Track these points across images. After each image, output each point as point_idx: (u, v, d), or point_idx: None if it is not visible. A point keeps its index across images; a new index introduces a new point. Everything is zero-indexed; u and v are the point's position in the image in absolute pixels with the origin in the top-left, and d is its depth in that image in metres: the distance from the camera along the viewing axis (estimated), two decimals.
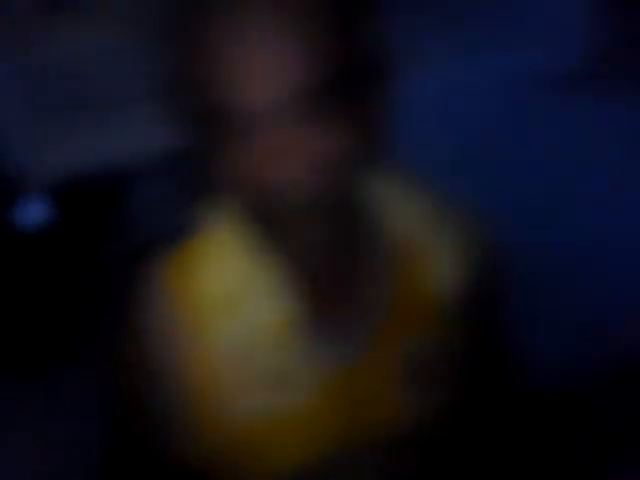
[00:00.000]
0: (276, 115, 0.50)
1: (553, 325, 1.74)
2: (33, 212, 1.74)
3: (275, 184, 0.51)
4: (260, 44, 0.48)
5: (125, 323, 0.68)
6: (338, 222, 0.56)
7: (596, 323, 1.82)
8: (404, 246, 0.67)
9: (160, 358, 0.64)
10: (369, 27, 0.55)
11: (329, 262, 0.62)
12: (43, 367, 1.73)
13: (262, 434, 0.65)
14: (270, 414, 0.64)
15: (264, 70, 0.48)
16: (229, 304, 0.64)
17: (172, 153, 1.61)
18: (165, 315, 0.65)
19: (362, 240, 0.65)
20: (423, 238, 0.68)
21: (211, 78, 0.50)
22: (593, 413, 1.56)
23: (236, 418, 0.64)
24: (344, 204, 0.56)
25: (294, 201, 0.52)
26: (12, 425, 1.61)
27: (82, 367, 1.69)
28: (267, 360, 0.64)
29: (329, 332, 0.65)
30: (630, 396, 1.59)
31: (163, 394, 0.65)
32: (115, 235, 2.01)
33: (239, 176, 0.52)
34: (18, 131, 1.27)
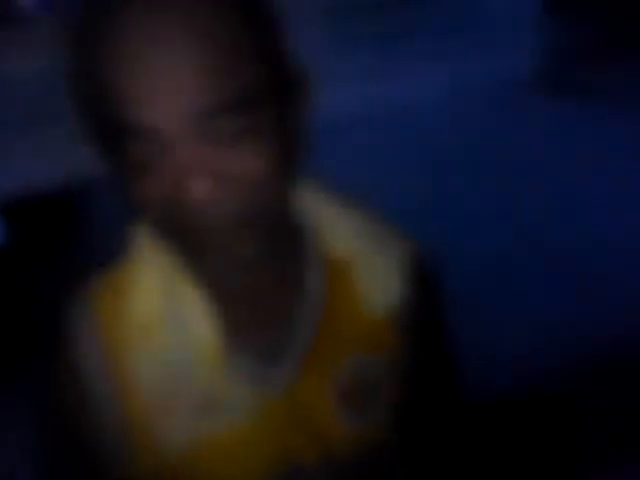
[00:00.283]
0: (181, 137, 0.48)
1: (544, 325, 1.74)
2: None
3: (189, 205, 0.50)
4: (163, 62, 0.47)
5: (59, 346, 0.67)
6: (264, 240, 0.55)
7: (593, 322, 1.83)
8: (338, 264, 0.66)
9: (91, 380, 0.63)
10: (281, 44, 0.55)
11: (256, 281, 0.61)
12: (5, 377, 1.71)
13: (194, 458, 0.63)
14: (200, 438, 0.63)
15: (167, 88, 0.47)
16: (153, 327, 0.63)
17: None
18: (93, 338, 0.64)
19: (293, 258, 0.64)
20: (358, 256, 0.67)
21: (112, 96, 0.48)
22: (585, 411, 1.57)
23: (168, 442, 0.63)
24: (270, 222, 0.55)
25: (212, 221, 0.51)
26: None
27: (36, 381, 1.67)
28: (193, 383, 0.62)
29: (258, 353, 0.63)
30: (620, 394, 1.59)
31: (98, 415, 0.64)
32: (70, 251, 1.99)
33: (152, 197, 0.51)
34: None
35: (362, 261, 0.67)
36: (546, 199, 2.39)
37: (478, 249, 1.92)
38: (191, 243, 0.53)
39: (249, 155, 0.50)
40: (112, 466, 0.65)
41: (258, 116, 0.50)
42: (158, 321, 0.63)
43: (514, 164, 2.29)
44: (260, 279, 0.61)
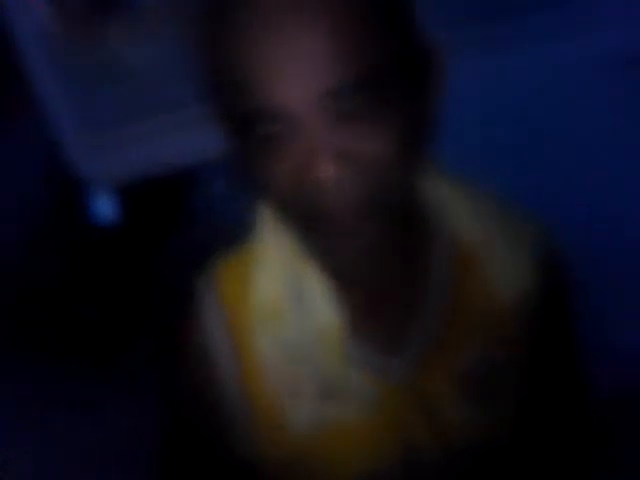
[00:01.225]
0: (313, 115, 0.48)
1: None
2: (103, 210, 1.80)
3: (315, 185, 0.49)
4: (293, 43, 0.46)
5: (183, 326, 0.68)
6: (388, 224, 0.53)
7: None
8: (465, 251, 0.64)
9: (216, 363, 0.64)
10: (411, 21, 0.53)
11: (379, 267, 0.58)
12: (114, 357, 1.79)
13: (314, 442, 0.64)
14: (320, 425, 0.63)
15: (297, 67, 0.46)
16: (277, 310, 0.63)
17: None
18: (218, 319, 0.64)
19: (418, 244, 0.63)
20: (485, 241, 0.64)
21: (241, 77, 0.48)
22: None
23: (289, 425, 0.63)
24: (396, 206, 0.53)
25: (337, 202, 0.50)
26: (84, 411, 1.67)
27: (150, 358, 1.73)
28: (315, 368, 0.62)
29: (380, 341, 0.62)
30: None
31: (223, 396, 0.65)
32: (181, 231, 2.05)
33: (279, 180, 0.51)
34: (80, 133, 1.31)
35: (489, 248, 0.65)
36: None
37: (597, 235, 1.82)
38: (315, 225, 0.52)
39: (377, 136, 0.49)
40: (233, 447, 0.66)
41: (387, 96, 0.49)
42: (282, 305, 0.63)
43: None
44: (383, 265, 0.59)
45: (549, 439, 0.73)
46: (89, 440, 1.61)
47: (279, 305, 0.63)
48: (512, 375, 0.66)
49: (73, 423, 1.65)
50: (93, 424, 1.64)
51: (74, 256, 1.86)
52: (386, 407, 0.63)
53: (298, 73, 0.47)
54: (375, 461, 0.64)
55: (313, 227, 0.53)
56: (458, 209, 0.65)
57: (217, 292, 0.65)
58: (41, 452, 1.60)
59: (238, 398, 0.64)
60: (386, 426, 0.63)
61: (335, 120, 0.48)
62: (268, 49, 0.47)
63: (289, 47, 0.46)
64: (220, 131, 0.57)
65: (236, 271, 0.66)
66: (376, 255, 0.55)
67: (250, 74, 0.48)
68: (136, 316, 1.87)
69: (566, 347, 0.72)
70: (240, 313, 0.64)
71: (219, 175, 2.18)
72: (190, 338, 0.66)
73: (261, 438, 0.65)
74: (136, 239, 1.91)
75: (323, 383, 0.62)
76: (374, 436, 0.63)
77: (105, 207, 1.80)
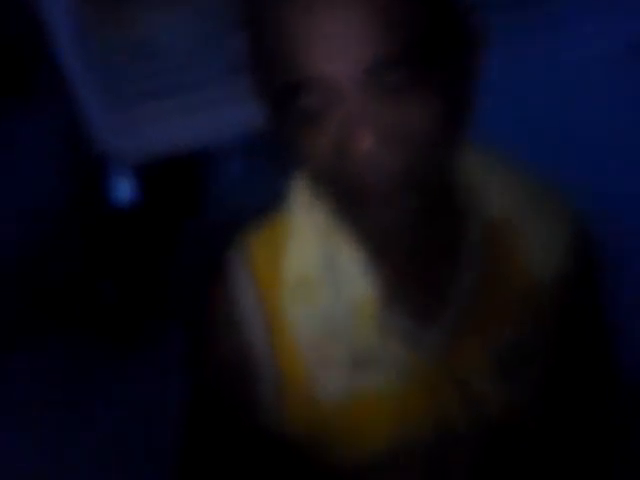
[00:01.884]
0: (355, 87, 0.48)
1: None
2: (122, 190, 1.80)
3: (355, 157, 0.49)
4: (341, 14, 0.46)
5: (210, 299, 0.69)
6: (424, 198, 0.54)
7: None
8: (499, 227, 0.64)
9: (247, 332, 0.65)
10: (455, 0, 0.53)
11: (414, 240, 0.59)
12: (135, 337, 1.80)
13: (346, 412, 0.64)
14: (350, 395, 0.63)
15: (345, 42, 0.47)
16: (311, 284, 0.63)
17: (252, 131, 1.63)
18: (250, 290, 0.65)
19: (453, 217, 0.63)
20: (519, 218, 0.65)
21: (289, 51, 0.48)
22: None
23: (322, 395, 0.64)
24: (432, 180, 0.54)
25: (376, 174, 0.50)
26: (105, 394, 1.69)
27: (172, 338, 1.75)
28: (348, 339, 0.63)
29: (413, 314, 0.63)
30: None
31: (251, 367, 0.65)
32: (198, 212, 2.05)
33: (319, 152, 0.51)
34: (104, 111, 1.31)
35: (522, 224, 0.65)
36: None
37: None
38: (352, 197, 0.53)
39: (418, 109, 0.49)
40: (260, 418, 0.67)
41: (429, 70, 0.49)
42: (315, 276, 0.63)
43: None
44: (418, 237, 0.60)
45: (574, 417, 0.73)
46: (110, 421, 1.62)
47: (312, 276, 0.63)
48: (541, 351, 0.66)
49: (93, 403, 1.66)
50: (113, 404, 1.65)
51: (93, 236, 1.87)
52: (417, 378, 0.63)
53: (344, 44, 0.47)
54: (404, 432, 0.65)
55: (351, 199, 0.53)
56: (492, 185, 0.65)
57: (248, 263, 0.66)
58: (59, 434, 1.61)
59: (267, 368, 0.65)
60: (417, 397, 0.64)
61: (377, 93, 0.48)
62: (316, 18, 0.47)
63: (337, 17, 0.46)
64: (259, 105, 0.57)
65: (267, 242, 0.67)
66: (411, 228, 0.55)
67: (296, 44, 0.48)
68: (155, 297, 1.88)
69: (594, 326, 0.72)
70: (271, 283, 0.65)
71: (236, 156, 2.18)
72: (220, 308, 0.67)
73: (289, 409, 0.66)
74: (155, 219, 1.91)
75: (355, 353, 0.63)
76: (404, 407, 0.64)
77: (124, 187, 1.81)
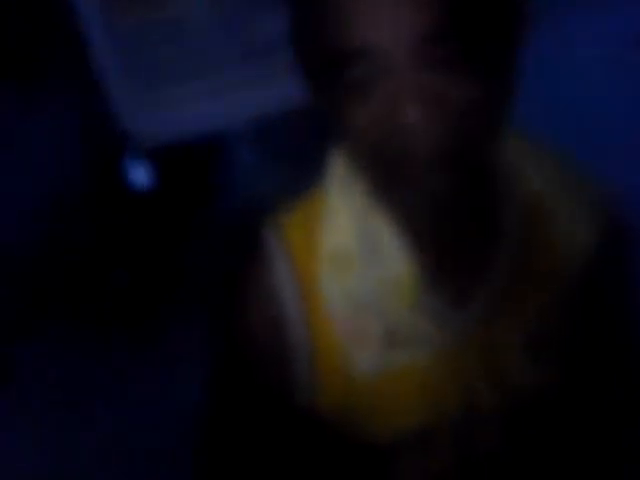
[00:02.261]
0: (403, 60, 0.48)
1: None
2: (138, 175, 1.81)
3: (402, 129, 0.50)
4: None
5: (244, 278, 0.69)
6: (465, 176, 0.54)
7: None
8: (533, 210, 0.65)
9: (281, 310, 0.65)
10: None
11: (452, 220, 0.60)
12: (150, 323, 1.80)
13: (374, 392, 0.65)
14: (383, 372, 0.64)
15: (396, 12, 0.47)
16: (348, 260, 0.64)
17: (266, 118, 1.63)
18: (286, 266, 0.65)
19: (490, 197, 0.63)
20: (553, 202, 0.65)
21: (337, 22, 0.49)
22: None
23: (350, 374, 0.65)
24: (476, 155, 0.54)
25: (422, 148, 0.50)
26: (124, 378, 1.69)
27: (188, 323, 1.75)
28: (383, 316, 0.63)
29: (448, 293, 0.63)
30: None
31: (285, 344, 0.65)
32: (212, 198, 2.05)
33: (365, 123, 0.51)
34: (124, 95, 1.32)
35: (555, 205, 0.66)
36: None
37: None
38: (395, 170, 0.53)
39: (466, 84, 0.50)
40: (292, 396, 0.67)
41: (479, 45, 0.49)
42: (352, 254, 0.64)
43: None
44: (454, 218, 0.60)
45: (599, 396, 0.74)
46: (110, 420, 1.62)
47: (349, 252, 0.64)
48: (569, 332, 0.67)
49: (110, 391, 1.66)
50: (130, 392, 1.65)
51: (108, 221, 1.87)
52: (450, 356, 0.64)
53: (396, 14, 0.47)
54: (434, 409, 0.66)
55: (393, 172, 0.53)
56: (528, 168, 0.66)
57: (283, 241, 0.66)
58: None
59: (302, 345, 0.65)
60: (447, 375, 0.65)
61: (427, 65, 0.49)
62: None
63: None
64: (302, 78, 0.58)
65: (302, 220, 0.67)
66: (448, 206, 0.56)
67: (348, 12, 0.48)
68: (169, 283, 1.88)
69: (622, 309, 0.72)
70: (306, 261, 0.65)
71: (248, 143, 2.18)
72: (255, 286, 0.67)
73: (322, 386, 0.66)
74: (170, 205, 1.91)
75: (390, 331, 0.63)
76: (436, 385, 0.65)
77: (140, 173, 1.81)
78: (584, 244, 0.66)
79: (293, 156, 2.23)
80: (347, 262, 0.64)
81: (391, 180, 0.54)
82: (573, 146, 0.70)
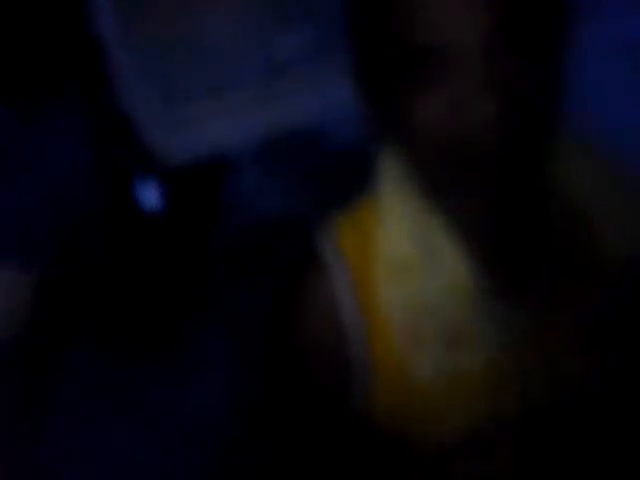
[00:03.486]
0: (480, 50, 0.49)
1: None
2: (149, 196, 1.81)
3: (471, 124, 0.51)
4: None
5: (301, 287, 0.69)
6: (525, 174, 0.55)
7: None
8: (581, 210, 0.66)
9: (339, 316, 0.65)
10: None
11: (508, 222, 0.61)
12: (160, 341, 1.80)
13: (436, 395, 0.65)
14: (442, 377, 0.64)
15: (467, 4, 0.49)
16: (407, 265, 0.64)
17: (277, 137, 1.64)
18: (341, 276, 0.65)
19: (539, 201, 0.64)
20: (600, 203, 0.66)
21: (411, 13, 0.50)
22: None
23: (409, 379, 0.65)
24: (538, 149, 0.55)
25: (488, 144, 0.51)
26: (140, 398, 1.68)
27: (200, 339, 1.75)
28: (444, 321, 0.63)
29: (507, 294, 0.64)
30: None
31: (343, 351, 0.65)
32: (221, 218, 2.06)
33: (432, 121, 0.52)
34: (147, 113, 1.33)
35: (601, 206, 0.66)
36: None
37: None
38: (458, 170, 0.54)
39: (537, 77, 0.51)
40: (349, 403, 0.67)
41: (549, 38, 0.52)
42: (412, 259, 0.64)
43: None
44: (508, 219, 0.61)
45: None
46: (146, 421, 1.61)
47: (408, 259, 0.64)
48: (618, 328, 0.68)
49: (130, 405, 1.66)
50: (148, 406, 1.65)
51: (119, 241, 1.87)
52: (508, 358, 0.64)
53: (468, 5, 0.49)
54: (492, 413, 0.66)
55: (457, 171, 0.54)
56: (574, 168, 0.67)
57: (339, 248, 0.67)
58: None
59: (360, 351, 0.65)
60: (506, 377, 0.65)
61: (500, 59, 0.50)
62: None
63: None
64: (359, 82, 0.59)
65: (356, 226, 0.67)
66: (508, 205, 0.57)
67: (419, 6, 0.50)
68: (180, 303, 1.88)
69: None
70: (363, 268, 0.65)
71: (254, 164, 2.20)
72: (313, 293, 0.67)
73: (379, 391, 0.66)
74: (180, 226, 1.92)
75: (449, 334, 0.63)
76: (494, 387, 0.65)
77: (151, 194, 1.81)
78: (629, 248, 0.67)
79: (301, 176, 2.25)
80: (406, 267, 0.64)
81: (452, 180, 0.55)
82: None
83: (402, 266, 0.64)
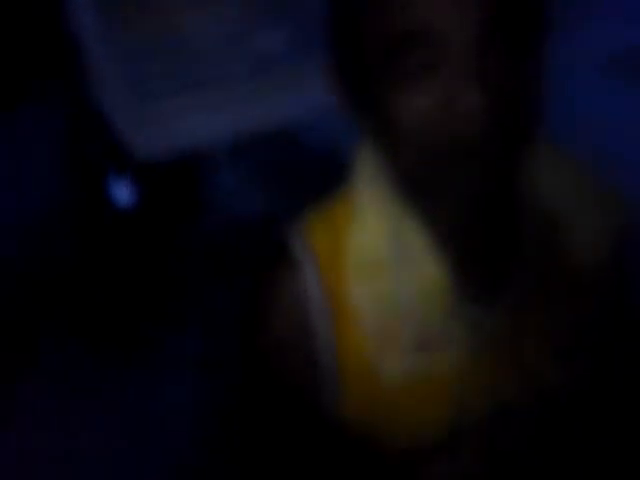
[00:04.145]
0: (464, 45, 0.49)
1: None
2: (122, 193, 1.79)
3: (462, 112, 0.50)
4: None
5: (269, 285, 0.68)
6: (503, 172, 0.55)
7: None
8: (553, 213, 0.66)
9: (308, 314, 0.64)
10: None
11: (483, 223, 0.61)
12: (134, 340, 1.78)
13: (407, 395, 0.64)
14: (413, 377, 0.64)
15: (450, 1, 0.49)
16: (378, 265, 0.63)
17: (249, 137, 1.64)
18: (309, 274, 0.64)
19: (514, 204, 0.64)
20: (571, 207, 0.67)
21: (398, 9, 0.50)
22: None
23: (379, 379, 0.64)
24: (514, 152, 0.55)
25: (471, 139, 0.51)
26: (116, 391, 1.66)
27: (174, 338, 1.74)
28: (415, 323, 0.63)
29: (479, 296, 0.63)
30: None
31: (311, 350, 0.64)
32: (195, 215, 2.05)
33: (419, 108, 0.52)
34: (122, 110, 1.31)
35: (572, 213, 0.67)
36: None
37: None
38: (438, 166, 0.53)
39: (522, 73, 0.52)
40: (317, 403, 0.67)
41: (533, 35, 0.52)
42: (382, 258, 0.63)
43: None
44: (486, 221, 0.61)
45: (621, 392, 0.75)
46: (103, 427, 1.60)
47: (379, 258, 0.63)
48: (592, 329, 0.68)
49: (103, 403, 1.64)
50: (122, 404, 1.63)
51: (91, 238, 1.85)
52: (479, 360, 0.64)
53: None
54: (463, 413, 0.65)
55: (437, 167, 0.54)
56: (547, 174, 0.67)
57: (308, 246, 0.65)
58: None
59: (328, 350, 0.64)
60: (478, 378, 0.65)
61: (486, 50, 0.50)
62: None
63: None
64: (340, 76, 0.59)
65: (327, 224, 0.67)
66: (484, 206, 0.57)
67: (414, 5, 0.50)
68: (151, 303, 1.86)
69: (627, 310, 0.74)
70: (333, 266, 0.64)
71: (230, 163, 2.19)
72: (279, 291, 0.66)
73: (348, 391, 0.65)
74: (152, 223, 1.90)
75: (420, 335, 0.63)
76: (465, 388, 0.64)
77: (124, 191, 1.79)
78: (601, 245, 0.67)
79: (279, 174, 2.24)
80: (377, 266, 0.63)
81: (434, 178, 0.55)
82: None
83: (373, 265, 0.63)
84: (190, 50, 1.26)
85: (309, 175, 1.95)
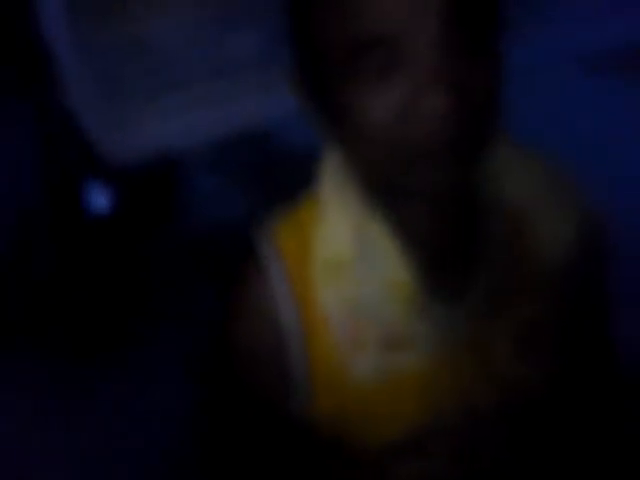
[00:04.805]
0: (424, 46, 0.49)
1: None
2: (97, 197, 1.78)
3: (426, 115, 0.50)
4: None
5: (238, 287, 0.68)
6: (466, 174, 0.56)
7: None
8: (517, 213, 0.66)
9: (276, 316, 0.64)
10: None
11: (445, 222, 0.62)
12: (110, 350, 1.77)
13: (372, 397, 0.65)
14: (381, 377, 0.64)
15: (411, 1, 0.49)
16: (344, 266, 0.64)
17: (228, 139, 1.64)
18: (279, 273, 0.65)
19: (479, 202, 0.65)
20: (534, 205, 0.67)
21: (357, 12, 0.50)
22: None
23: (348, 380, 0.64)
24: (477, 153, 0.56)
25: (434, 141, 0.51)
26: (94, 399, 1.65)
27: (150, 348, 1.73)
28: (381, 321, 0.63)
29: (445, 295, 0.64)
30: None
31: (280, 351, 0.65)
32: (171, 220, 2.04)
33: (381, 113, 0.52)
34: (93, 113, 1.30)
35: (537, 211, 0.67)
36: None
37: None
38: (402, 169, 0.54)
39: (481, 73, 0.52)
40: (287, 406, 0.67)
41: (491, 33, 0.52)
42: (347, 259, 0.64)
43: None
44: (451, 220, 0.62)
45: (583, 392, 0.76)
46: (92, 427, 1.59)
47: (345, 258, 0.64)
48: (555, 331, 0.69)
49: (81, 411, 1.63)
50: (101, 411, 1.62)
51: (66, 244, 1.83)
52: (446, 359, 0.65)
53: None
54: (432, 414, 0.66)
55: (401, 170, 0.54)
56: (511, 173, 0.67)
57: (276, 248, 0.66)
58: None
59: (297, 351, 0.64)
60: (445, 378, 0.65)
61: (447, 51, 0.50)
62: None
63: None
64: (301, 80, 0.59)
65: (295, 226, 0.67)
66: (449, 206, 0.58)
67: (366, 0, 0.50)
68: (130, 307, 1.85)
69: (597, 309, 0.75)
70: (301, 268, 0.65)
71: (208, 166, 2.18)
72: (248, 293, 0.66)
73: (318, 392, 0.66)
74: (129, 227, 1.89)
75: (387, 334, 0.63)
76: (433, 388, 0.65)
77: (99, 196, 1.78)
78: (566, 244, 0.68)
79: (253, 178, 2.25)
80: (343, 267, 0.64)
81: (398, 179, 0.55)
82: None
83: (339, 265, 0.64)
84: (161, 53, 1.26)
85: (285, 177, 1.95)
